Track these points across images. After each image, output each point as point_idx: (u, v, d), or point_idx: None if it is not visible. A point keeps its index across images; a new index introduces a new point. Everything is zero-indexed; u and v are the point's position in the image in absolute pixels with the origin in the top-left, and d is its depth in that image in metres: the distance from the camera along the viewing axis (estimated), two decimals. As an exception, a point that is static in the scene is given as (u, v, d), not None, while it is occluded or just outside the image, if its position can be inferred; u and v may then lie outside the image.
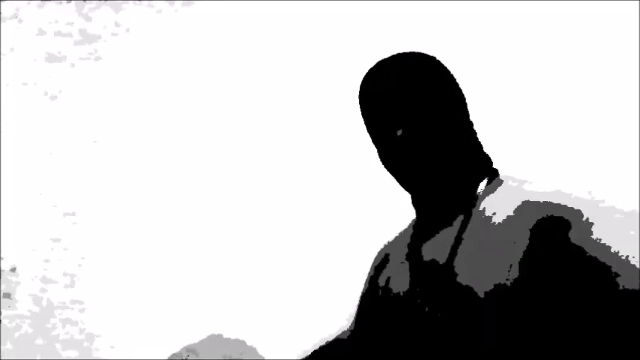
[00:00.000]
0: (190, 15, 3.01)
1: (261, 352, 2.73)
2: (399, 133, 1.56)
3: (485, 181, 1.60)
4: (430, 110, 1.59)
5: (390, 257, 1.71)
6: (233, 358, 2.66)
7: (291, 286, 2.84)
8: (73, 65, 2.99)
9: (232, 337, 2.78)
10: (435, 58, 1.66)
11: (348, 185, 2.79)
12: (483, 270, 1.48)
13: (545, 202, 1.53)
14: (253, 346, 2.76)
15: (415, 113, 1.58)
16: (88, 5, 2.95)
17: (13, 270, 2.88)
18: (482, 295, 1.44)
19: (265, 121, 2.98)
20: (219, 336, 2.77)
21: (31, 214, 2.96)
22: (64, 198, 2.97)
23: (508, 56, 3.00)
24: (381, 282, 1.68)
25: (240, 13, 3.00)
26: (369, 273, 1.78)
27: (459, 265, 1.50)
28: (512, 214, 1.53)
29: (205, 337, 2.79)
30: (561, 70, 3.00)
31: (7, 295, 2.86)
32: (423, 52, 1.67)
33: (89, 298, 2.91)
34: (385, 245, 1.81)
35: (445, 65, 1.66)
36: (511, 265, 1.46)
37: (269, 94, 3.00)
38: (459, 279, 1.49)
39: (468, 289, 1.46)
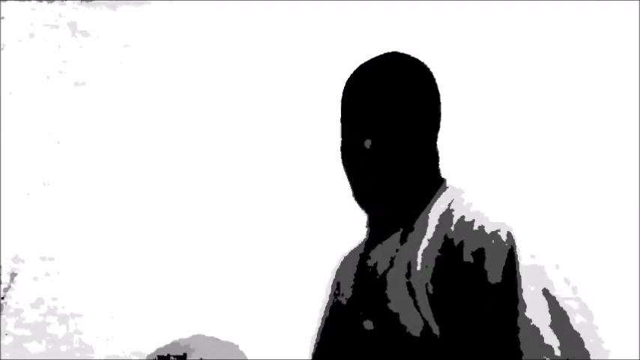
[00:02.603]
0: (178, 13, 3.00)
1: (249, 353, 2.72)
2: (368, 144, 1.58)
3: (438, 192, 1.64)
4: (402, 124, 1.60)
5: (346, 269, 1.74)
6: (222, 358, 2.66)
7: (278, 288, 2.82)
8: (65, 62, 2.98)
9: (218, 336, 2.78)
10: (418, 62, 1.67)
11: (339, 186, 2.78)
12: (406, 284, 1.53)
13: (466, 221, 1.56)
14: (240, 346, 2.75)
15: (386, 126, 1.60)
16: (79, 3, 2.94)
17: (14, 275, 2.88)
18: (399, 310, 1.50)
19: (252, 123, 2.97)
20: (204, 335, 2.77)
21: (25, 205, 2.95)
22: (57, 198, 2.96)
23: (505, 57, 2.99)
24: (331, 290, 1.71)
25: (234, 12, 2.99)
26: (330, 289, 1.81)
27: (391, 278, 1.55)
28: (438, 228, 1.56)
29: (191, 335, 2.79)
30: (560, 71, 2.99)
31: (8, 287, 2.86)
32: (407, 55, 1.67)
33: (81, 295, 2.91)
34: (345, 256, 1.84)
35: (428, 70, 1.67)
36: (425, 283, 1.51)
37: (257, 92, 2.99)
38: (389, 292, 1.54)
39: (395, 302, 1.52)
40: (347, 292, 1.64)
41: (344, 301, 1.64)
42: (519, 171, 2.93)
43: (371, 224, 1.67)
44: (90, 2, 2.96)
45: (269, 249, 2.84)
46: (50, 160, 2.97)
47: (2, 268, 2.88)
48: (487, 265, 1.48)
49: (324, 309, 1.78)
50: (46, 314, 2.88)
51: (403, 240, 1.57)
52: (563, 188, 2.93)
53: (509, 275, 1.47)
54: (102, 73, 3.01)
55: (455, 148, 2.91)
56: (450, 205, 1.57)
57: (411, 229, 1.58)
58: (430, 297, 1.47)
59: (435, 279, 1.47)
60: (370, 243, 1.66)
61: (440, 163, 1.69)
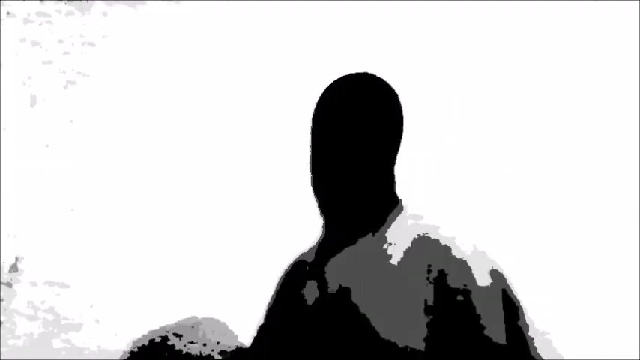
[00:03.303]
0: (179, 13, 3.00)
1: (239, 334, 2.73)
2: (337, 159, 1.65)
3: (396, 210, 1.71)
4: (371, 143, 1.67)
5: (298, 274, 1.79)
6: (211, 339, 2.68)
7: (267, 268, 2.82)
8: (62, 69, 2.98)
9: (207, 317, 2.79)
10: (389, 87, 1.76)
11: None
12: (377, 297, 1.58)
13: (435, 243, 1.63)
14: (231, 327, 2.76)
15: (357, 144, 1.66)
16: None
17: (14, 268, 2.88)
18: (374, 318, 1.56)
19: (244, 122, 2.97)
20: (195, 317, 2.78)
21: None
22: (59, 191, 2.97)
23: (504, 57, 2.99)
24: (290, 298, 1.76)
25: (231, 12, 2.99)
26: (278, 289, 1.86)
27: (356, 288, 1.61)
28: (406, 246, 1.61)
29: (181, 317, 2.80)
30: (559, 71, 2.99)
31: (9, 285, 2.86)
32: (380, 78, 1.76)
33: (69, 278, 2.91)
34: (294, 261, 1.88)
35: (396, 94, 1.77)
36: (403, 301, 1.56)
37: (253, 92, 2.99)
38: (356, 300, 1.60)
39: (365, 310, 1.58)
40: (308, 298, 1.69)
41: (303, 306, 1.68)
42: (520, 170, 2.93)
43: (329, 232, 1.73)
44: (85, 2, 2.96)
45: (253, 238, 2.85)
46: (50, 161, 2.98)
47: (2, 269, 2.88)
48: (487, 322, 1.53)
49: (270, 311, 1.82)
50: (47, 312, 2.88)
51: (365, 251, 1.63)
52: (564, 189, 2.93)
53: (518, 333, 1.55)
54: (97, 74, 3.01)
55: (453, 147, 2.91)
56: (413, 226, 1.64)
57: (373, 241, 1.64)
58: (419, 325, 1.52)
59: (429, 312, 1.52)
60: (328, 251, 1.71)
61: (396, 183, 1.78)
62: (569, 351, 2.80)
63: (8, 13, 2.65)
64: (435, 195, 2.77)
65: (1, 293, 2.86)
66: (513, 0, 2.95)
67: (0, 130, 2.91)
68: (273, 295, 1.92)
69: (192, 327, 2.71)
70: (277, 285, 1.91)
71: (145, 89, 2.97)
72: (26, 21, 2.90)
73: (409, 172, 2.72)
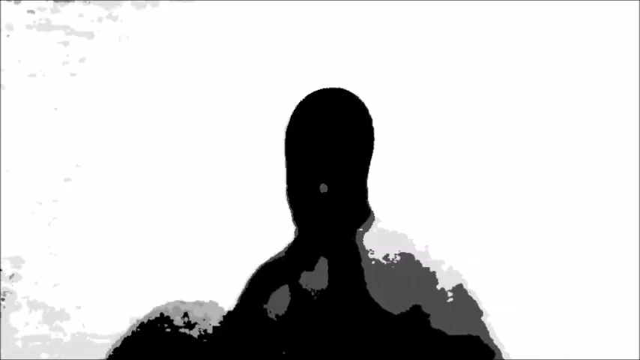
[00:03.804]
0: (184, 13, 3.01)
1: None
2: (324, 189, 1.72)
3: (370, 222, 1.77)
4: (346, 155, 1.75)
5: (269, 281, 1.84)
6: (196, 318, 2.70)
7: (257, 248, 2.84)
8: (66, 62, 2.99)
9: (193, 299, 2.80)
10: (359, 101, 1.83)
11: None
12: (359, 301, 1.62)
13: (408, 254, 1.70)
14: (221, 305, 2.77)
15: (332, 156, 1.72)
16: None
17: (12, 276, 2.89)
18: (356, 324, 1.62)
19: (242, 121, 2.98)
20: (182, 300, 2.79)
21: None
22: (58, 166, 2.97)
23: (505, 57, 3.00)
24: (259, 304, 1.81)
25: (232, 12, 3.00)
26: (244, 295, 1.91)
27: (329, 295, 1.67)
28: (378, 258, 1.71)
29: (169, 300, 2.81)
30: (560, 71, 3.00)
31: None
32: (350, 92, 1.83)
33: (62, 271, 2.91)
34: (262, 267, 1.93)
35: (366, 108, 1.85)
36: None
37: (252, 93, 3.00)
38: (338, 307, 1.67)
39: (344, 317, 1.66)
40: (279, 307, 1.74)
41: (273, 316, 1.74)
42: (522, 170, 2.94)
43: (303, 242, 1.78)
44: (89, 2, 2.98)
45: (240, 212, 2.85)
46: (50, 160, 2.99)
47: (2, 270, 2.89)
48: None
49: (240, 316, 1.86)
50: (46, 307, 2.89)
51: (337, 261, 1.70)
52: (565, 189, 2.94)
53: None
54: (100, 70, 3.02)
55: (454, 149, 2.91)
56: (385, 238, 1.71)
57: (345, 252, 1.71)
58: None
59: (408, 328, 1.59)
60: (301, 259, 1.77)
61: (368, 194, 1.84)
62: (570, 351, 2.81)
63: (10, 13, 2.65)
64: (408, 205, 2.78)
65: (1, 293, 2.87)
66: (513, 0, 2.96)
67: (0, 129, 2.92)
68: (240, 297, 1.97)
69: (185, 308, 2.73)
70: (245, 287, 1.96)
71: (143, 86, 2.97)
72: (28, 22, 2.91)
73: (383, 183, 2.73)
